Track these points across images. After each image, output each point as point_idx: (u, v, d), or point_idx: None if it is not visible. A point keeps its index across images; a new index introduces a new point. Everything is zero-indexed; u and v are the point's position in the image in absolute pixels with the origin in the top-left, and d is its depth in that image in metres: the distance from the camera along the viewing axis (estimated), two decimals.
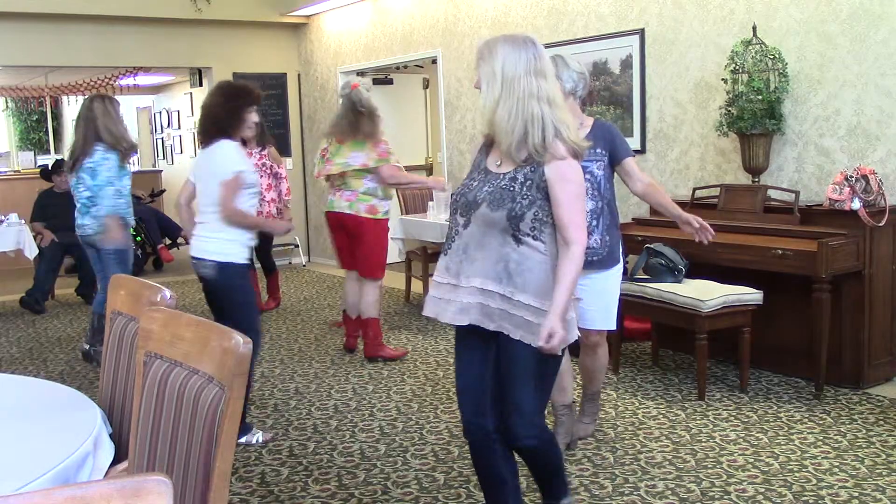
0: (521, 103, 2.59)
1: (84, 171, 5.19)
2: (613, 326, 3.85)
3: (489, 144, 2.77)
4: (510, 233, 2.61)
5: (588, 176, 3.54)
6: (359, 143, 5.27)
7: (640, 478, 3.54)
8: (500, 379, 2.72)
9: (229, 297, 4.00)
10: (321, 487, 3.58)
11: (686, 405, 4.42)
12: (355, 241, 5.44)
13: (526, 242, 2.61)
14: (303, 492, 3.54)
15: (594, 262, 3.61)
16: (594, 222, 3.63)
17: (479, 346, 2.74)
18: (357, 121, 5.28)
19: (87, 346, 5.68)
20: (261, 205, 6.41)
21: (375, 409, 4.57)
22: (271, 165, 6.85)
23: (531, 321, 2.60)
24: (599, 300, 3.72)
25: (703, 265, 4.81)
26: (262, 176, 6.66)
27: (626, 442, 3.95)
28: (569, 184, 2.62)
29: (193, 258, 4.04)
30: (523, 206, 2.60)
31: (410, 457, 3.88)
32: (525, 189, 2.61)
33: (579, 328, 3.47)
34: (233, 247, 3.98)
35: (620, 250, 3.80)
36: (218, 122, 4.00)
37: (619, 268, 3.79)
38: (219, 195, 3.90)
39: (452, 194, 2.82)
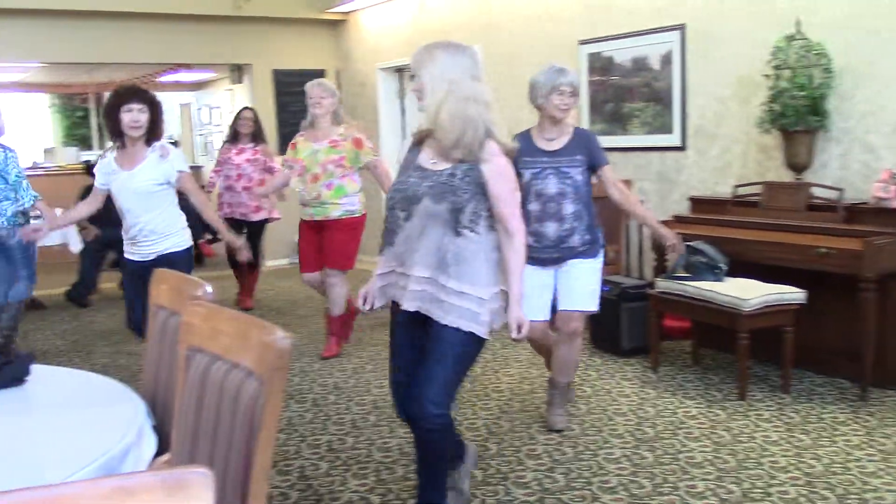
0: (460, 105, 2.79)
1: None
2: (597, 308, 4.14)
3: (419, 143, 2.97)
4: (450, 225, 2.83)
5: (569, 181, 3.96)
6: None
7: (680, 478, 3.51)
8: (423, 358, 2.91)
9: None
10: (359, 482, 3.59)
11: (727, 405, 4.37)
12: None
13: (463, 234, 2.84)
14: (341, 486, 3.56)
15: (581, 251, 4.00)
16: (576, 223, 3.98)
17: (412, 333, 2.96)
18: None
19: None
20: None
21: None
22: (265, 160, 7.28)
23: (461, 306, 2.83)
24: (588, 282, 4.03)
25: (744, 264, 4.75)
26: (254, 171, 7.20)
27: (665, 441, 3.92)
28: (506, 180, 2.88)
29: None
30: (463, 199, 2.82)
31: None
32: (464, 184, 2.83)
33: (562, 312, 4.01)
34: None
35: (601, 242, 4.12)
36: (106, 125, 4.41)
37: (602, 256, 4.12)
38: None
39: (389, 191, 3.01)
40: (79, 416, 2.29)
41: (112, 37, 8.82)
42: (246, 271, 7.43)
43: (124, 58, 9.16)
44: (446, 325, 2.83)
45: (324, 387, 4.98)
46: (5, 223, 5.53)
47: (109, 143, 4.48)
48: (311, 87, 5.46)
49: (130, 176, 4.34)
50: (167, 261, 4.32)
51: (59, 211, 7.88)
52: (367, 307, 3.03)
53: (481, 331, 2.87)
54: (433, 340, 2.87)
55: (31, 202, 5.43)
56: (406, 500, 3.41)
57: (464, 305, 2.82)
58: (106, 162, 4.43)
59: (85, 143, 15.51)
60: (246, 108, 7.68)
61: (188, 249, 4.51)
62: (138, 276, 4.35)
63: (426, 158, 2.92)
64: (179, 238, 4.48)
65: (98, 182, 4.47)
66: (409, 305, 2.88)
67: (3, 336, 5.63)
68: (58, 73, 11.79)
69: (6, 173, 5.41)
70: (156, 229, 4.39)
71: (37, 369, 2.52)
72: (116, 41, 8.86)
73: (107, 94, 15.01)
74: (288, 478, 3.66)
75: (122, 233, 4.53)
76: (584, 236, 4.00)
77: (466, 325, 2.83)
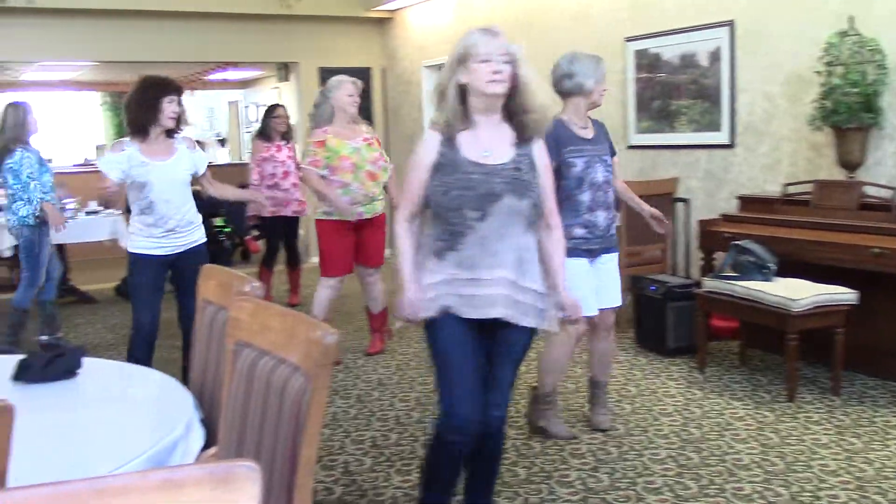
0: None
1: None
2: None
3: (450, 139, 2.69)
4: (529, 221, 2.71)
5: (609, 169, 3.91)
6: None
7: (727, 480, 3.46)
8: (491, 361, 2.80)
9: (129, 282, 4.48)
10: (403, 479, 3.60)
11: (775, 407, 4.30)
12: None
13: (531, 230, 2.75)
14: (385, 482, 3.58)
15: (616, 242, 4.00)
16: (616, 212, 4.00)
17: (473, 339, 2.74)
18: (311, 123, 5.47)
19: (44, 338, 5.92)
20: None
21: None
22: (296, 159, 7.18)
23: (534, 305, 2.73)
24: (618, 275, 4.02)
25: (793, 263, 4.67)
26: (287, 171, 7.12)
27: (711, 442, 3.87)
28: (548, 170, 2.82)
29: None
30: (537, 193, 2.72)
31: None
32: (531, 178, 2.71)
33: (601, 311, 3.90)
34: (130, 236, 4.39)
35: None
36: (135, 116, 4.21)
37: None
38: None
39: (445, 192, 2.67)
40: (128, 408, 2.33)
41: (162, 35, 8.95)
42: (287, 269, 7.49)
43: (173, 56, 9.29)
44: (519, 327, 2.72)
45: (368, 383, 5.00)
46: (16, 222, 5.66)
47: (125, 138, 4.30)
48: (352, 84, 5.32)
49: (170, 166, 4.28)
50: (193, 253, 4.36)
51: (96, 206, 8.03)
52: (415, 319, 2.73)
53: (551, 326, 2.81)
54: (504, 344, 2.77)
55: (37, 203, 5.54)
56: None
57: (536, 304, 2.74)
58: (127, 155, 4.20)
59: None
60: (279, 105, 7.64)
61: (207, 242, 4.54)
62: (161, 272, 4.37)
63: (474, 152, 2.68)
64: (202, 229, 4.50)
65: (115, 176, 4.19)
66: (494, 312, 2.67)
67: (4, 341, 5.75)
68: (109, 71, 12.01)
69: (20, 173, 5.54)
70: (192, 220, 4.39)
71: (88, 362, 2.57)
72: (166, 40, 8.99)
73: None
74: (332, 473, 3.69)
75: (146, 226, 4.29)
76: (614, 224, 3.98)
77: (539, 324, 2.76)
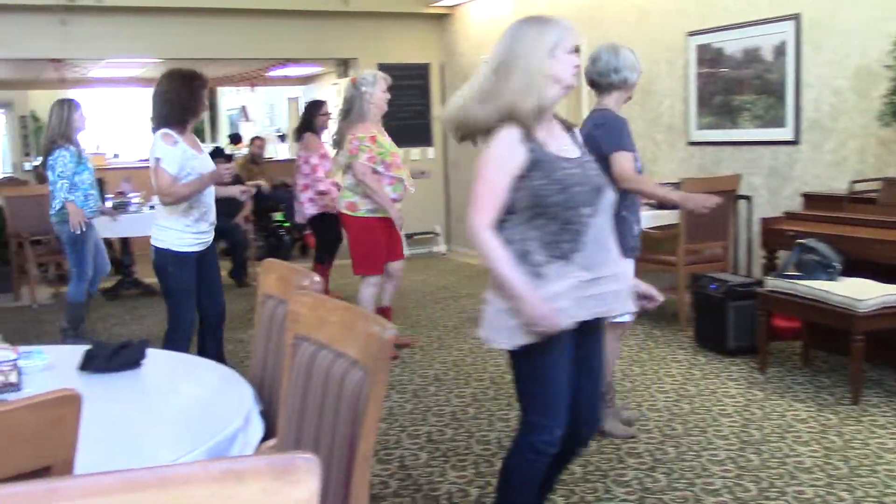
0: None
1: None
2: None
3: (530, 134, 2.48)
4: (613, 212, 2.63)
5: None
6: (345, 138, 5.30)
7: (788, 483, 3.40)
8: (590, 365, 2.64)
9: (162, 281, 4.28)
10: (458, 474, 3.61)
11: (839, 409, 4.21)
12: (347, 236, 5.53)
13: None
14: (440, 477, 3.58)
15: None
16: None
17: (571, 348, 2.55)
18: (343, 117, 5.35)
19: (65, 325, 6.03)
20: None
21: (513, 398, 4.56)
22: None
23: (624, 290, 2.63)
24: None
25: (860, 263, 4.56)
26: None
27: (772, 444, 3.80)
28: None
29: (154, 248, 4.26)
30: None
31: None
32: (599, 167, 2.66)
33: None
34: (166, 234, 4.17)
35: None
36: (178, 106, 4.11)
37: None
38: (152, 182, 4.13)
39: (562, 189, 2.44)
40: (190, 399, 2.37)
41: (223, 33, 9.10)
42: (318, 266, 7.29)
43: (235, 53, 9.44)
44: (605, 319, 2.64)
45: (424, 378, 5.02)
46: (54, 218, 5.79)
47: (167, 129, 4.12)
48: (384, 80, 5.29)
49: (206, 158, 4.32)
50: (212, 247, 4.39)
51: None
52: (554, 332, 2.43)
53: (634, 306, 2.69)
54: (596, 341, 2.66)
55: (61, 203, 5.65)
56: None
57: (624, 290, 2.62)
58: (182, 148, 4.11)
59: (198, 136, 16.02)
60: (324, 101, 7.49)
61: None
62: (196, 267, 4.28)
63: (554, 147, 2.52)
64: None
65: (173, 170, 4.06)
66: (605, 311, 2.54)
67: (62, 331, 5.89)
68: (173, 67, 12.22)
69: (55, 170, 5.66)
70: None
71: (152, 353, 2.62)
72: (227, 37, 9.14)
73: (221, 89, 15.50)
74: (388, 467, 3.71)
75: (194, 222, 4.20)
76: None
77: (630, 307, 2.64)
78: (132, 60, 10.65)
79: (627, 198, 3.64)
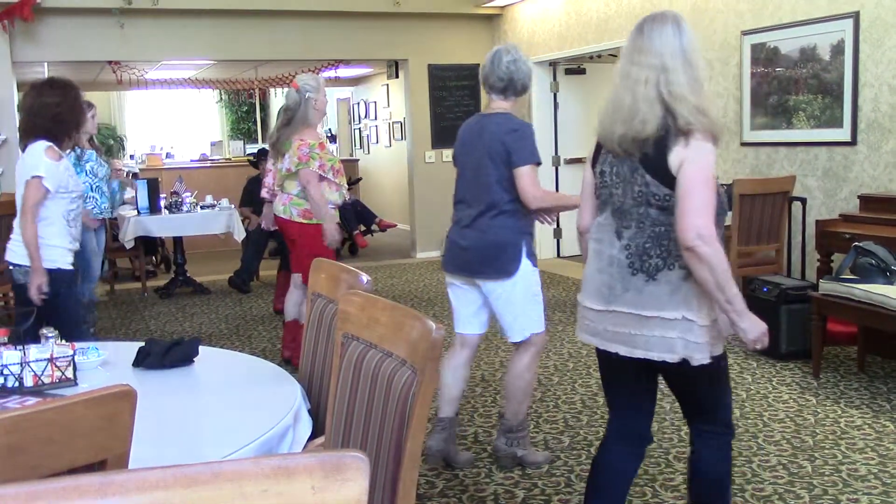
0: None
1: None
2: None
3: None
4: None
5: None
6: (289, 143, 4.96)
7: (841, 490, 3.33)
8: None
9: (51, 303, 3.71)
10: (504, 475, 3.60)
11: (895, 417, 4.11)
12: (293, 246, 5.19)
13: None
14: (487, 478, 3.58)
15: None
16: None
17: None
18: (285, 122, 5.02)
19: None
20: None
21: (560, 400, 4.55)
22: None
23: None
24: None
25: None
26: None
27: (826, 451, 3.73)
28: None
29: (10, 264, 3.80)
30: None
31: (595, 450, 3.83)
32: None
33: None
34: (53, 252, 3.76)
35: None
36: (68, 120, 3.78)
37: None
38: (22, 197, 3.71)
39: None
40: (241, 396, 2.40)
41: (276, 35, 9.20)
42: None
43: (287, 54, 9.53)
44: None
45: (471, 378, 5.01)
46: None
47: (51, 143, 3.74)
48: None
49: (73, 171, 4.12)
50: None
51: (225, 201, 8.31)
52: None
53: None
54: None
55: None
56: (551, 495, 3.39)
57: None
58: (65, 164, 3.85)
59: (249, 137, 16.23)
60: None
61: None
62: None
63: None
64: None
65: (58, 189, 3.78)
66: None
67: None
68: (226, 69, 12.37)
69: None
70: None
71: (204, 350, 2.66)
72: (280, 39, 9.23)
73: (271, 90, 15.67)
74: (434, 467, 3.71)
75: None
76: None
77: None
78: (188, 62, 10.82)
79: None
